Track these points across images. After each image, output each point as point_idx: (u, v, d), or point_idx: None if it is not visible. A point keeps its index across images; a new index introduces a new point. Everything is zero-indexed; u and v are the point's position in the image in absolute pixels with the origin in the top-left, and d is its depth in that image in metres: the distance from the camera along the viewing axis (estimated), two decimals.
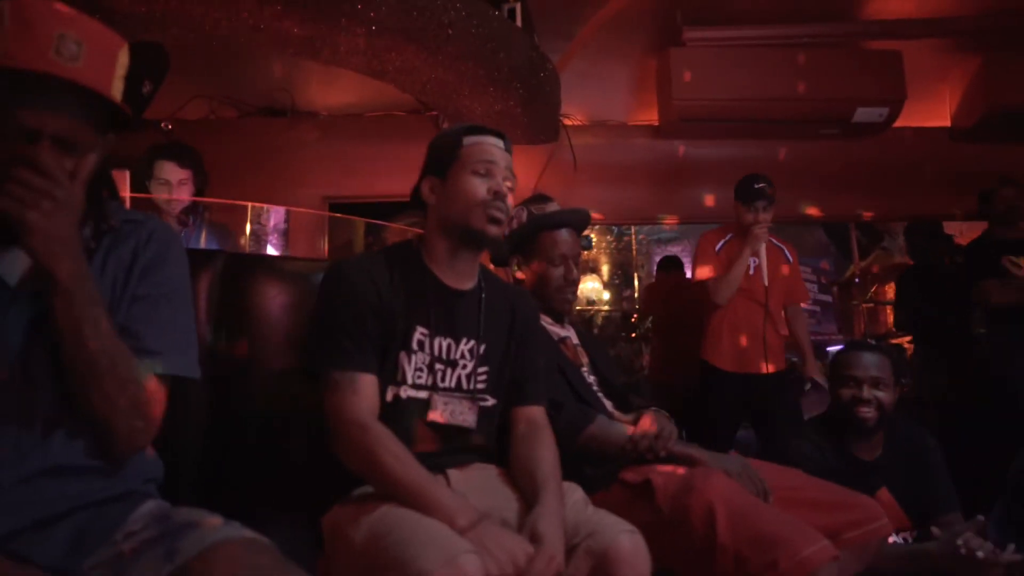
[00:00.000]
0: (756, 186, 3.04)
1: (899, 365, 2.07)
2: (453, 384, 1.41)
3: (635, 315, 6.58)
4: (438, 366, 1.40)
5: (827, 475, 1.76)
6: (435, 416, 1.37)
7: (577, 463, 1.56)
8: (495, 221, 1.42)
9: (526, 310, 1.57)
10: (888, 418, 1.97)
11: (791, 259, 3.26)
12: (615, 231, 6.71)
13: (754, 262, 3.09)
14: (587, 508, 1.33)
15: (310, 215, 3.94)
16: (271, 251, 3.06)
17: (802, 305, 3.33)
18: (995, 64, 4.09)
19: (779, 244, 3.25)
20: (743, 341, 3.09)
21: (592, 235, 6.96)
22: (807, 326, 3.37)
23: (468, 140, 1.45)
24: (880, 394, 1.95)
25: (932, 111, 4.43)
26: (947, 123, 4.53)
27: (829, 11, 3.93)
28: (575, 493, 1.37)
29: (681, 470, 1.54)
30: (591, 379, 1.84)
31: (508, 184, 1.45)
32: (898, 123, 4.17)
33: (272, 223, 3.14)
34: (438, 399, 1.38)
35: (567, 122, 4.34)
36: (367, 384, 1.32)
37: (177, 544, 0.93)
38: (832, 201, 4.68)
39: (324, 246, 3.78)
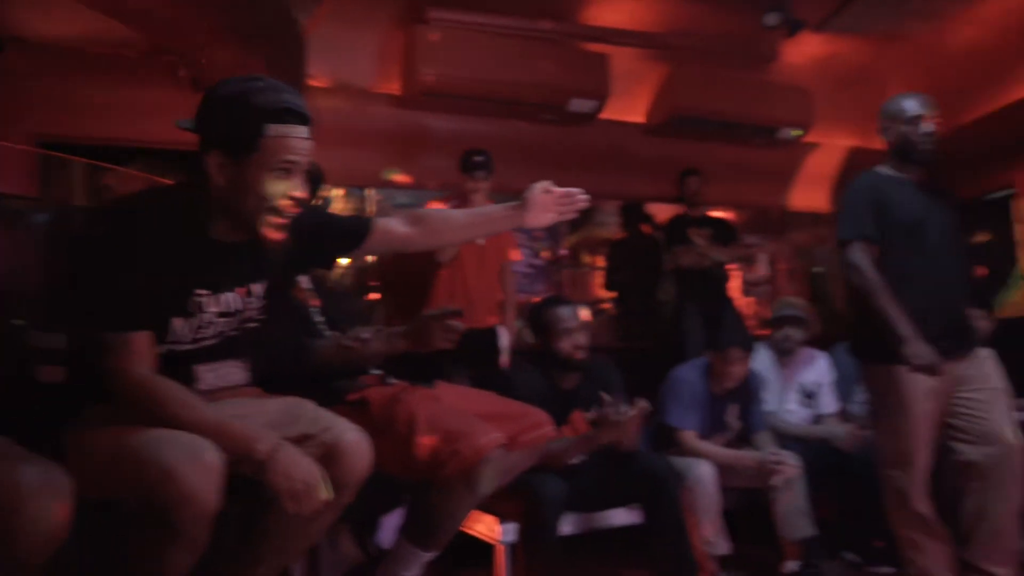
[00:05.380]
0: (475, 159, 3.52)
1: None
2: (231, 329, 1.48)
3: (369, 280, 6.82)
4: (219, 319, 1.45)
5: (537, 400, 2.20)
6: (202, 386, 1.44)
7: (305, 383, 1.78)
8: (279, 228, 1.40)
9: (309, 221, 1.53)
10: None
11: None
12: (352, 193, 6.86)
13: None
14: (320, 410, 1.53)
15: (18, 152, 3.62)
16: None
17: (517, 261, 3.84)
18: (677, 75, 4.96)
19: None
20: (459, 296, 3.52)
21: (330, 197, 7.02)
22: (515, 284, 3.89)
23: (273, 130, 1.32)
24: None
25: (631, 108, 5.22)
26: (643, 119, 5.37)
27: (552, 11, 4.50)
28: (307, 404, 1.55)
29: (391, 390, 1.86)
30: (319, 319, 2.07)
31: (305, 172, 1.41)
32: (604, 115, 4.88)
33: None
34: (203, 369, 1.46)
35: (311, 83, 4.41)
36: (142, 342, 1.34)
37: None
38: (549, 178, 5.29)
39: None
